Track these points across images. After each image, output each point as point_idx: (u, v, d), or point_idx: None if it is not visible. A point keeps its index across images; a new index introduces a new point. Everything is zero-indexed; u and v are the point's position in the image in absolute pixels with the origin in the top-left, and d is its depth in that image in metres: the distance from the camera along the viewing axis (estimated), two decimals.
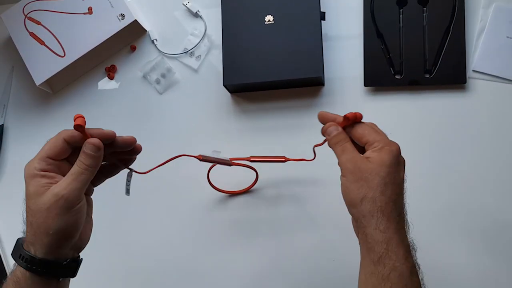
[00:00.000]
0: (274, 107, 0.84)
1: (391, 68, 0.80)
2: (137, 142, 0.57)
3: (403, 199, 0.54)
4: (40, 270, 0.51)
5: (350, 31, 0.83)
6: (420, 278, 0.51)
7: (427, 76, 0.79)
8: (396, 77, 0.80)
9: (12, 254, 0.54)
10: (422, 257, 0.54)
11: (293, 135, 0.83)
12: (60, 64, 0.87)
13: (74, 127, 0.52)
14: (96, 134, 0.53)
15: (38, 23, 0.89)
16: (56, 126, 0.91)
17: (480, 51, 0.78)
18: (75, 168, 0.52)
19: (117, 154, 0.57)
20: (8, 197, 0.92)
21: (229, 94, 0.86)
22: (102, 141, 0.53)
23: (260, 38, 0.81)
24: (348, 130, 0.57)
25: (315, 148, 0.65)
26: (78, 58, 0.87)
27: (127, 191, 0.60)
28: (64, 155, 0.54)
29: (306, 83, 0.83)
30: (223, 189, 0.82)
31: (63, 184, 0.51)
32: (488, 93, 0.78)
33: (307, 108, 0.83)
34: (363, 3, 0.81)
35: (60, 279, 0.54)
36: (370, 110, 0.80)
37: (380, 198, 0.51)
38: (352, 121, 0.57)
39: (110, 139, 0.54)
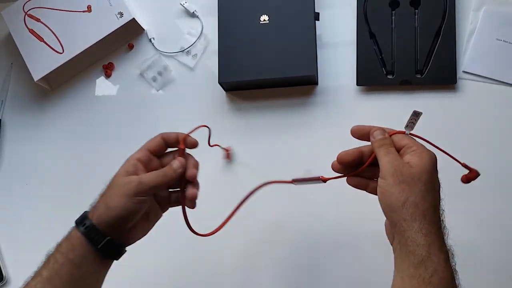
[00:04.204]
0: (268, 105, 0.86)
1: (383, 68, 0.82)
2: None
3: (440, 207, 0.54)
4: (90, 233, 0.56)
5: (343, 31, 0.85)
6: (457, 284, 0.51)
7: (418, 76, 0.80)
8: (388, 77, 0.82)
9: (76, 221, 0.58)
10: None
11: (287, 133, 0.84)
12: (58, 61, 0.89)
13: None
14: (187, 142, 0.61)
15: (38, 20, 0.91)
16: (53, 122, 0.94)
17: (470, 52, 0.80)
18: (156, 172, 0.59)
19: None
20: (6, 192, 0.93)
21: (224, 92, 0.88)
22: (188, 146, 0.61)
23: (255, 37, 0.83)
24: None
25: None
26: (76, 55, 0.89)
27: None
28: (160, 150, 0.61)
29: (300, 82, 0.84)
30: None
31: (141, 176, 0.57)
32: (477, 93, 0.79)
33: (300, 107, 0.85)
34: (356, 4, 0.83)
35: (103, 257, 0.57)
36: (362, 109, 0.83)
37: (422, 203, 0.51)
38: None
39: (194, 146, 0.62)
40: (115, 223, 0.56)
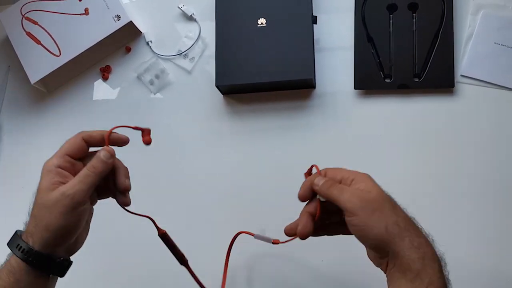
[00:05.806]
0: (265, 109, 0.86)
1: (381, 72, 0.81)
2: (131, 143, 0.58)
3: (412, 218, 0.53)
4: (35, 262, 0.53)
5: (341, 35, 0.85)
6: None
7: (416, 80, 0.80)
8: (386, 80, 0.81)
9: (8, 244, 0.55)
10: None
11: (284, 137, 0.84)
12: (55, 63, 0.89)
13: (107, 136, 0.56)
14: (114, 139, 0.56)
15: (35, 23, 0.91)
16: (50, 125, 0.94)
17: (468, 56, 0.80)
18: (84, 171, 0.54)
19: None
20: (2, 195, 0.93)
21: (221, 95, 0.87)
22: (118, 143, 0.56)
23: (253, 41, 0.83)
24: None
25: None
26: (74, 58, 0.88)
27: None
28: (81, 153, 0.56)
29: (297, 85, 0.84)
30: None
31: (71, 184, 0.53)
32: (475, 97, 0.79)
33: (298, 110, 0.84)
34: (354, 8, 0.83)
35: (50, 276, 0.55)
36: (360, 113, 0.82)
37: (399, 220, 0.51)
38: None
39: (124, 143, 0.57)
40: (59, 242, 0.53)
